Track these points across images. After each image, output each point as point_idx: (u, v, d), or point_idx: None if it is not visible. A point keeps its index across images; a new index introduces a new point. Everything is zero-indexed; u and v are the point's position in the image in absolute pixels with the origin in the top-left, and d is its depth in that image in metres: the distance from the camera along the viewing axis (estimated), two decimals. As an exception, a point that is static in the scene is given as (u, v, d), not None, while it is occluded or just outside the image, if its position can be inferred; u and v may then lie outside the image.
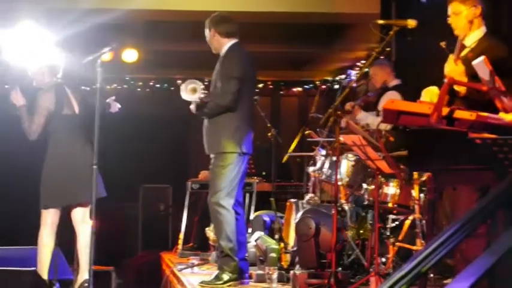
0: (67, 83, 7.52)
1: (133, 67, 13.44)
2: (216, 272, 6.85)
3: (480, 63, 4.45)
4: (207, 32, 7.00)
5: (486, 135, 3.96)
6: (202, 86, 6.75)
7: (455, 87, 5.16)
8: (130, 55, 12.88)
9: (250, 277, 6.97)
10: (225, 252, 6.75)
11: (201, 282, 6.79)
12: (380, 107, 7.60)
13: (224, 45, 6.95)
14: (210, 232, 8.61)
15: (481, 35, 5.51)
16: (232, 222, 6.74)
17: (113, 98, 7.82)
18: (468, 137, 4.05)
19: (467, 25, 5.48)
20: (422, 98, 5.28)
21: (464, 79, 5.12)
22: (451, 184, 5.10)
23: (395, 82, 8.31)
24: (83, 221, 7.30)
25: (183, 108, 7.15)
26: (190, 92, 6.70)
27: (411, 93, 7.48)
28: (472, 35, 5.51)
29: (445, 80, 4.86)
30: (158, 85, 15.06)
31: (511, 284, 3.92)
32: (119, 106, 7.79)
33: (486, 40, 5.48)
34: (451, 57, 5.25)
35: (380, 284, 2.59)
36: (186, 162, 14.55)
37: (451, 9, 5.58)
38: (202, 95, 6.69)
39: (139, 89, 15.06)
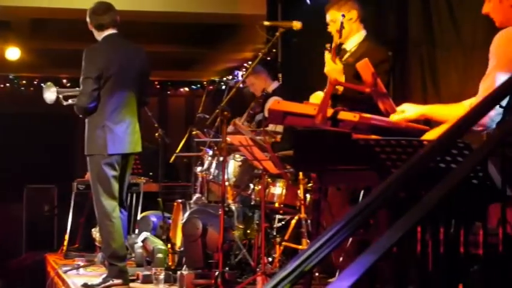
0: None
1: (17, 65, 13.17)
2: (104, 275, 6.75)
3: (363, 65, 4.54)
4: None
5: (369, 136, 4.04)
6: (54, 89, 6.66)
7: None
8: (13, 53, 12.63)
9: (137, 278, 6.91)
10: (106, 259, 6.66)
11: (83, 285, 6.66)
12: (266, 112, 7.65)
13: (99, 37, 6.73)
14: (96, 233, 8.51)
15: (361, 39, 5.63)
16: (116, 227, 6.60)
17: None
18: (352, 138, 4.13)
19: (346, 31, 5.57)
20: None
21: (342, 78, 5.21)
22: (335, 184, 5.19)
23: (274, 86, 8.38)
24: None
25: (69, 107, 7.00)
26: (51, 94, 6.65)
27: (296, 94, 7.58)
28: (352, 40, 5.63)
29: (328, 82, 4.94)
30: (43, 84, 14.77)
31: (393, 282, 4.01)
32: None
33: (365, 44, 5.60)
34: (328, 56, 5.32)
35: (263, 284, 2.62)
36: (72, 162, 14.35)
37: (328, 17, 5.69)
38: (60, 96, 6.61)
39: (23, 88, 14.75)
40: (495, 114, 3.61)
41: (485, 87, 3.72)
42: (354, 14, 5.58)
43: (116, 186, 6.64)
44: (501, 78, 3.53)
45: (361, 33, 5.66)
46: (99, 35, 6.72)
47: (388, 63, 5.52)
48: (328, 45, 5.55)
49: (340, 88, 5.21)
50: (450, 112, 4.20)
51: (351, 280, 2.02)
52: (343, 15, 5.45)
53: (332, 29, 5.65)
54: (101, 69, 6.53)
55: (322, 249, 2.19)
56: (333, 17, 5.64)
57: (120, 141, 6.61)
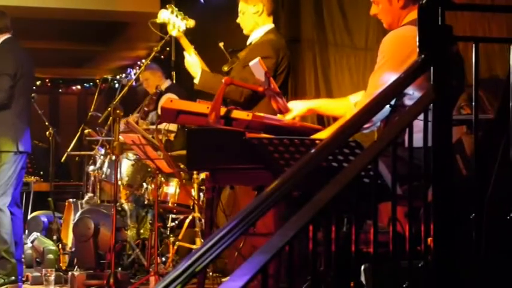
0: None
1: None
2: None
3: (256, 64, 4.53)
4: None
5: (262, 135, 4.04)
6: None
7: None
8: None
9: (26, 279, 6.77)
10: (0, 255, 6.49)
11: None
12: (160, 110, 7.60)
13: None
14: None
15: (262, 33, 5.61)
16: (7, 223, 6.47)
17: None
18: (245, 137, 4.12)
19: (248, 24, 5.57)
20: None
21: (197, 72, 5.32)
22: (229, 183, 5.18)
23: (167, 84, 8.35)
24: None
25: None
26: None
27: (189, 93, 7.56)
28: (254, 34, 5.61)
29: (223, 81, 4.92)
30: None
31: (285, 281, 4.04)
32: None
33: (261, 38, 5.59)
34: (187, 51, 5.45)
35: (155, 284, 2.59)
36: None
37: (239, 8, 5.67)
38: None
39: None
40: (382, 112, 3.66)
41: (372, 84, 3.77)
42: (260, 7, 5.56)
43: (13, 184, 6.54)
44: (389, 77, 3.57)
45: (265, 27, 5.62)
46: None
47: (271, 59, 5.47)
48: (221, 44, 5.54)
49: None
50: (336, 106, 4.26)
51: (243, 280, 2.02)
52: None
53: (239, 20, 5.64)
54: (16, 67, 6.53)
55: (214, 248, 2.17)
56: (241, 8, 5.62)
57: (27, 139, 6.62)
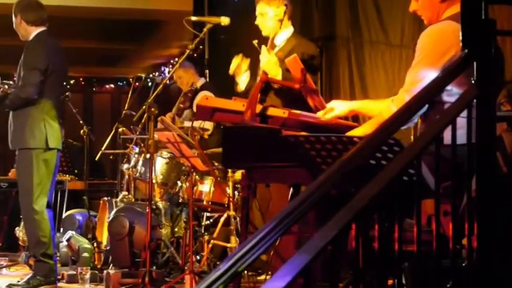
0: None
1: None
2: (29, 275, 6.59)
3: (292, 61, 4.50)
4: (14, 18, 6.67)
5: (299, 132, 4.01)
6: None
7: None
8: None
9: (61, 278, 6.78)
10: (38, 257, 6.48)
11: (8, 286, 6.49)
12: (195, 107, 7.58)
13: (31, 33, 6.57)
14: (19, 232, 8.33)
15: (289, 35, 5.61)
16: (46, 227, 6.43)
17: None
18: (281, 135, 4.09)
19: (274, 25, 5.54)
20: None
21: (279, 70, 5.19)
22: (264, 181, 5.15)
23: (201, 82, 8.34)
24: None
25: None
26: None
27: (223, 90, 7.54)
28: (281, 35, 5.59)
29: (259, 78, 4.89)
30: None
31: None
32: None
33: (294, 39, 5.57)
34: (264, 48, 5.29)
35: (198, 283, 2.56)
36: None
37: (258, 10, 5.64)
38: (1, 86, 6.44)
39: None
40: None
41: (410, 81, 3.73)
42: (282, 10, 5.53)
43: (48, 183, 6.49)
44: (427, 73, 3.54)
45: (290, 30, 5.63)
46: (31, 31, 6.57)
47: (317, 58, 5.50)
48: (255, 42, 5.51)
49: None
50: (379, 107, 4.20)
51: (285, 281, 1.98)
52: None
53: (259, 22, 5.62)
54: (47, 62, 6.44)
55: (255, 248, 2.14)
56: (262, 10, 5.60)
57: (57, 136, 6.51)
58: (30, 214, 6.42)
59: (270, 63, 5.21)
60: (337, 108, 4.27)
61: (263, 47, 5.30)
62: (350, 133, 3.91)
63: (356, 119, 6.36)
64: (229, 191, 6.69)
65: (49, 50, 6.54)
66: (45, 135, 6.42)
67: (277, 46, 5.57)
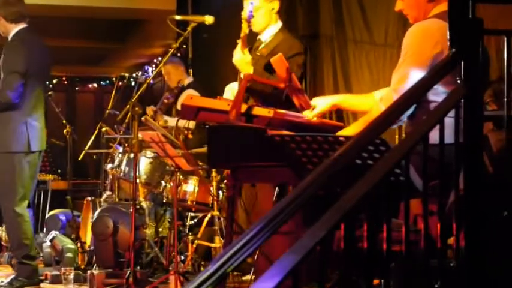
0: None
1: None
2: (12, 276, 6.54)
3: (277, 60, 4.49)
4: None
5: (284, 132, 3.99)
6: None
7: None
8: None
9: (45, 278, 6.74)
10: (20, 260, 6.44)
11: (-9, 286, 6.46)
12: (179, 105, 7.55)
13: (11, 30, 6.45)
14: (2, 232, 8.27)
15: (276, 30, 5.56)
16: (28, 229, 6.39)
17: None
18: (267, 134, 4.07)
19: (263, 21, 5.51)
20: (224, 94, 5.29)
21: (250, 69, 5.18)
22: (250, 181, 5.13)
23: (189, 80, 8.30)
24: None
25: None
26: None
27: (207, 89, 7.53)
28: (268, 30, 5.55)
29: (242, 76, 4.87)
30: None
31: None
32: None
33: (280, 35, 5.54)
34: (238, 45, 5.28)
35: (185, 284, 2.53)
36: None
37: (255, 5, 5.59)
38: None
39: None
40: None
41: (397, 79, 3.69)
42: (276, 5, 5.51)
43: (31, 184, 6.45)
44: (413, 71, 3.51)
45: (277, 25, 5.58)
46: (11, 28, 6.45)
47: (301, 56, 5.47)
48: (239, 41, 5.49)
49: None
50: (361, 101, 4.20)
51: (274, 281, 1.96)
52: (252, 3, 5.37)
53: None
54: (27, 64, 6.33)
55: (243, 249, 2.12)
56: (258, 5, 5.55)
57: (40, 137, 6.46)
58: (12, 217, 6.38)
59: (242, 62, 5.23)
60: (318, 106, 4.26)
61: (238, 43, 5.28)
62: (340, 133, 3.89)
63: (340, 117, 6.36)
64: (213, 190, 6.67)
65: (29, 50, 6.41)
66: (27, 139, 6.35)
67: (263, 42, 5.54)
